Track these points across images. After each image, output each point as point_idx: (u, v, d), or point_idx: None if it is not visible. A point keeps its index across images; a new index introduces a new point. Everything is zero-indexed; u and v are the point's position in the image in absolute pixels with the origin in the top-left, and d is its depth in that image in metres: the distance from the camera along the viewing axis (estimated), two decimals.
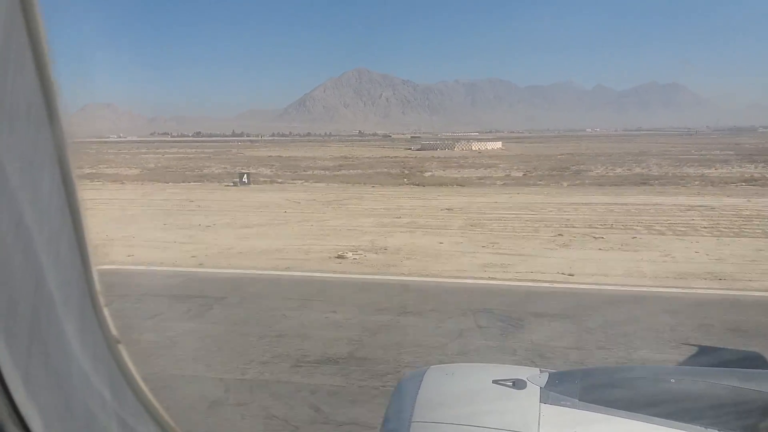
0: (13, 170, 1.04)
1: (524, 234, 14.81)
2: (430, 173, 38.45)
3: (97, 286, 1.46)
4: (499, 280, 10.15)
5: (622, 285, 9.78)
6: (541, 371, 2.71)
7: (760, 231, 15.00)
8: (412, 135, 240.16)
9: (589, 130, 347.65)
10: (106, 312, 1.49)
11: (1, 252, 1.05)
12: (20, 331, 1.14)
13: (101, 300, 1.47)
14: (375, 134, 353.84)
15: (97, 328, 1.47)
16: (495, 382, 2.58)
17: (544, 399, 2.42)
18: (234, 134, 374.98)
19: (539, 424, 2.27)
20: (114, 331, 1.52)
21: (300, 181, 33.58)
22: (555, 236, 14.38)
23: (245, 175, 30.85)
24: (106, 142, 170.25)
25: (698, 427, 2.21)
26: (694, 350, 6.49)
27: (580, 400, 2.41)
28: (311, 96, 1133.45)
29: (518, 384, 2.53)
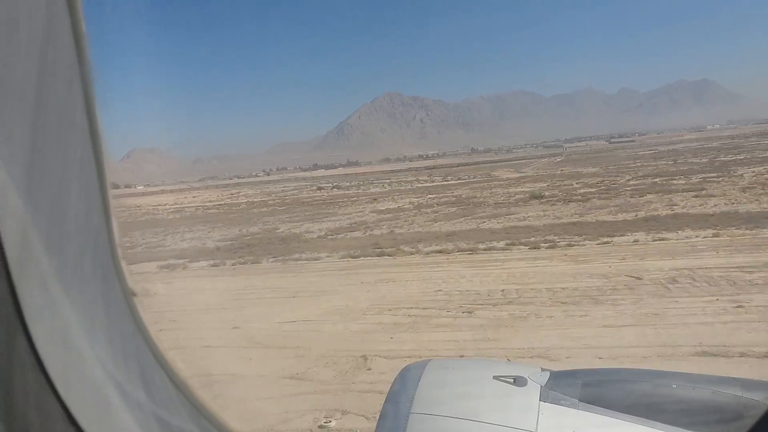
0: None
1: None
2: None
3: (117, 239, 1.54)
4: None
5: None
6: (542, 369, 2.74)
7: None
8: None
9: (654, 133, 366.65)
10: (123, 265, 1.56)
11: (24, 195, 1.13)
12: (37, 277, 1.19)
13: (120, 252, 1.54)
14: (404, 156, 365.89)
15: (115, 280, 1.55)
16: (495, 378, 2.61)
17: (544, 398, 2.45)
18: (315, 166, 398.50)
19: (538, 422, 2.29)
20: (130, 284, 1.59)
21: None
22: None
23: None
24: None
25: None
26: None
27: (580, 401, 2.43)
28: (348, 123, 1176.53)
29: (519, 381, 2.57)
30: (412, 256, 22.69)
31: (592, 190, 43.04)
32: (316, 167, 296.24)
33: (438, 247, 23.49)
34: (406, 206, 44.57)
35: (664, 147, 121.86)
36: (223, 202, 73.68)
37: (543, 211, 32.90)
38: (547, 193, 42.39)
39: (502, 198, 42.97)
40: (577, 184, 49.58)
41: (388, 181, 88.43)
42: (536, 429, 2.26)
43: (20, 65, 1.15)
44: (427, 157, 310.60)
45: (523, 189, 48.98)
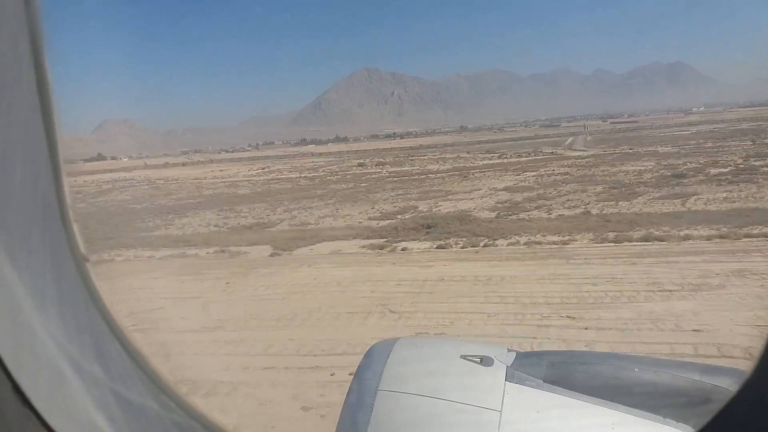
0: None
1: None
2: None
3: (68, 200, 1.47)
4: None
5: None
6: (508, 350, 2.79)
7: None
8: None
9: (627, 115, 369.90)
10: (75, 228, 1.50)
11: None
12: None
13: (71, 215, 1.48)
14: (395, 133, 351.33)
15: (65, 244, 1.49)
16: (463, 357, 2.66)
17: (509, 378, 2.49)
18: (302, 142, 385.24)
19: (503, 402, 2.34)
20: (82, 248, 1.54)
21: None
22: None
23: None
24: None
25: (657, 416, 2.33)
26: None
27: (544, 382, 2.49)
28: (325, 98, 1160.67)
29: (485, 361, 2.61)
30: (691, 242, 19.66)
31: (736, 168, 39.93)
32: (304, 142, 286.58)
33: (713, 231, 20.55)
34: (529, 183, 41.40)
35: (683, 128, 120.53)
36: (280, 176, 67.89)
37: (727, 192, 30.28)
38: (685, 170, 39.77)
39: (633, 177, 40.09)
40: (703, 161, 46.34)
41: (426, 157, 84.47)
42: (501, 408, 2.30)
43: None
44: (417, 135, 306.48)
45: (638, 166, 46.17)
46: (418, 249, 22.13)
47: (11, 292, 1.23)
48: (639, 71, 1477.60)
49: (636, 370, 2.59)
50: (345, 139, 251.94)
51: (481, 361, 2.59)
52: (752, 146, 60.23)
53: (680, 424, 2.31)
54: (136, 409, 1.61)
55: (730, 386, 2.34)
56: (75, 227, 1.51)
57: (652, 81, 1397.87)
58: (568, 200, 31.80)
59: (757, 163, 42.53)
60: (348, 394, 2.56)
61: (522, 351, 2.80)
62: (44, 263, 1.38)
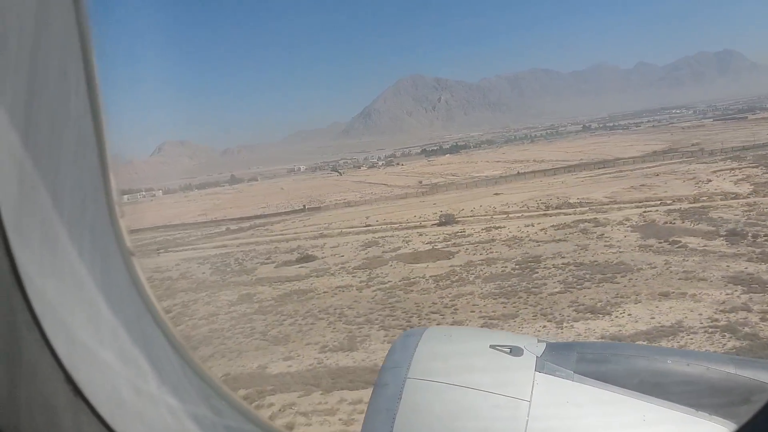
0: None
1: None
2: None
3: (115, 197, 1.52)
4: None
5: None
6: (539, 340, 2.76)
7: None
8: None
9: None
10: (122, 224, 1.55)
11: (21, 161, 1.12)
12: (34, 236, 1.18)
13: (118, 212, 1.53)
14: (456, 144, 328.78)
15: (112, 240, 1.53)
16: (492, 347, 2.63)
17: (539, 368, 2.47)
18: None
19: (532, 392, 2.32)
20: (128, 243, 1.58)
21: None
22: None
23: None
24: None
25: (690, 408, 2.27)
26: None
27: (575, 373, 2.46)
28: (374, 108, 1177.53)
29: (515, 351, 2.59)
30: None
31: None
32: (428, 153, 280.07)
33: None
34: None
35: None
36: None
37: None
38: None
39: None
40: None
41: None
42: (530, 399, 2.33)
43: (17, 21, 1.17)
44: (484, 142, 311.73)
45: None
46: None
47: (64, 287, 1.27)
48: (684, 62, 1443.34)
49: (669, 362, 2.59)
50: (460, 150, 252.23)
51: (510, 351, 2.63)
52: None
53: (714, 417, 2.27)
54: (185, 403, 1.65)
55: (767, 380, 2.33)
56: (121, 223, 1.55)
57: (701, 71, 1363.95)
58: None
59: None
60: (377, 382, 2.59)
61: (552, 341, 2.86)
62: (94, 259, 1.41)
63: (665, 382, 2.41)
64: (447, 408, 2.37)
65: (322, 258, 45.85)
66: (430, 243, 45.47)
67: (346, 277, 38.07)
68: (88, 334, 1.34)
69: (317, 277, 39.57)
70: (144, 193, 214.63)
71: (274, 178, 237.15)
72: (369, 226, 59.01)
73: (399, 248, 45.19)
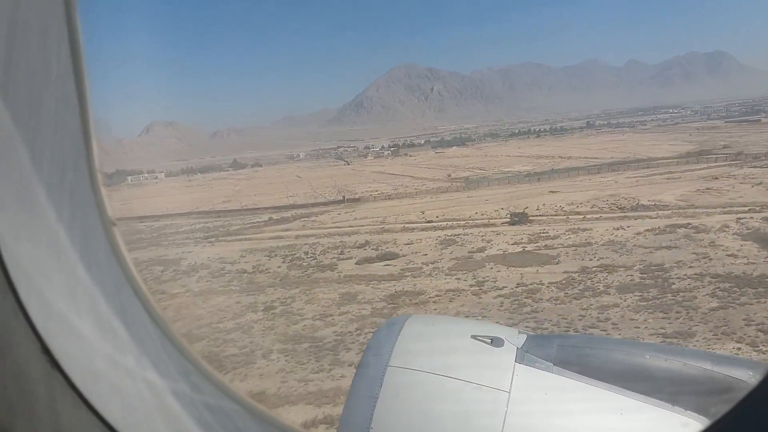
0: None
1: None
2: None
3: (97, 164, 1.47)
4: None
5: None
6: (519, 332, 2.81)
7: None
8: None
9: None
10: (103, 192, 1.51)
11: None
12: (9, 196, 1.16)
13: (100, 179, 1.48)
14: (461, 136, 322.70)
15: (93, 208, 1.49)
16: (473, 337, 2.66)
17: (519, 359, 2.51)
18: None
19: (512, 383, 2.34)
20: (110, 212, 1.53)
21: None
22: None
23: None
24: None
25: (665, 403, 2.32)
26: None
27: (554, 365, 2.50)
28: (366, 96, 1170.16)
29: (496, 342, 2.62)
30: None
31: None
32: (433, 144, 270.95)
33: None
34: None
35: None
36: None
37: None
38: None
39: None
40: None
41: None
42: (510, 389, 2.35)
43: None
44: (482, 136, 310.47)
45: None
46: None
47: (41, 254, 1.25)
48: (675, 61, 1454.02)
49: (647, 357, 2.62)
50: (463, 142, 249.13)
51: (491, 341, 2.66)
52: None
53: (689, 412, 2.31)
54: (163, 378, 1.62)
55: (742, 377, 2.36)
56: (103, 191, 1.51)
57: (691, 71, 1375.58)
58: None
59: None
60: (358, 369, 2.64)
61: (533, 333, 2.90)
62: (73, 226, 1.38)
63: (643, 376, 2.43)
64: (427, 396, 2.38)
65: (405, 256, 44.02)
66: (516, 244, 43.86)
67: (449, 279, 36.37)
68: (65, 303, 1.31)
69: (414, 277, 37.81)
70: (146, 174, 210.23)
71: (277, 164, 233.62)
72: (430, 222, 57.22)
73: (484, 248, 43.54)
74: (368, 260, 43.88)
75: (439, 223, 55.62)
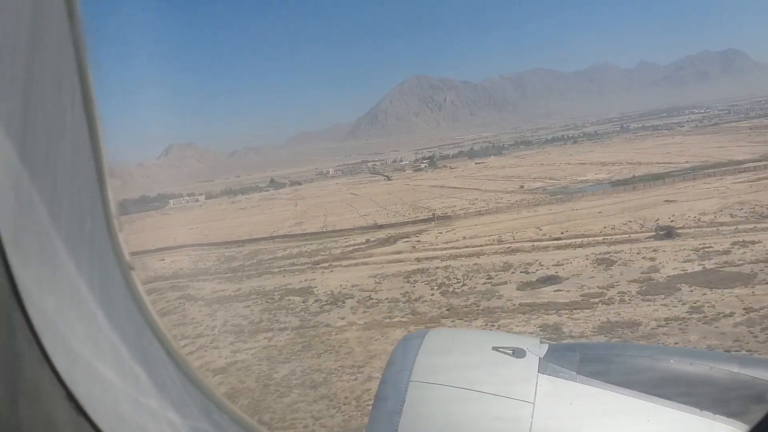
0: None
1: None
2: None
3: (113, 211, 1.51)
4: None
5: None
6: (541, 342, 2.78)
7: None
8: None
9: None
10: (120, 238, 1.55)
11: (15, 176, 1.11)
12: (32, 252, 1.18)
13: (116, 225, 1.52)
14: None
15: (110, 253, 1.53)
16: (495, 349, 2.63)
17: (542, 369, 2.47)
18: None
19: (536, 393, 2.32)
20: (127, 257, 1.57)
21: None
22: None
23: None
24: None
25: (694, 408, 2.28)
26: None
27: (578, 374, 2.46)
28: (380, 109, 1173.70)
29: (518, 353, 2.59)
30: None
31: None
32: (468, 155, 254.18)
33: None
34: None
35: None
36: None
37: None
38: None
39: None
40: None
41: None
42: (534, 400, 2.29)
43: (12, 34, 1.15)
44: (530, 143, 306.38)
45: None
46: None
47: (63, 302, 1.28)
48: (687, 61, 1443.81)
49: (672, 362, 2.57)
50: (500, 150, 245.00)
51: (513, 353, 2.61)
52: None
53: (718, 416, 2.27)
54: (186, 418, 1.64)
55: None
56: (120, 237, 1.55)
57: (705, 71, 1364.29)
58: None
59: None
60: (380, 385, 2.59)
61: (555, 343, 2.80)
62: (92, 273, 1.42)
63: (669, 381, 2.41)
64: (450, 411, 2.38)
65: (567, 279, 41.25)
66: (688, 261, 40.90)
67: (653, 305, 33.47)
68: (88, 350, 1.34)
69: (606, 304, 35.02)
70: (186, 197, 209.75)
71: (313, 182, 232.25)
72: (559, 239, 54.37)
73: (656, 268, 40.63)
74: (530, 285, 41.20)
75: (572, 240, 52.78)
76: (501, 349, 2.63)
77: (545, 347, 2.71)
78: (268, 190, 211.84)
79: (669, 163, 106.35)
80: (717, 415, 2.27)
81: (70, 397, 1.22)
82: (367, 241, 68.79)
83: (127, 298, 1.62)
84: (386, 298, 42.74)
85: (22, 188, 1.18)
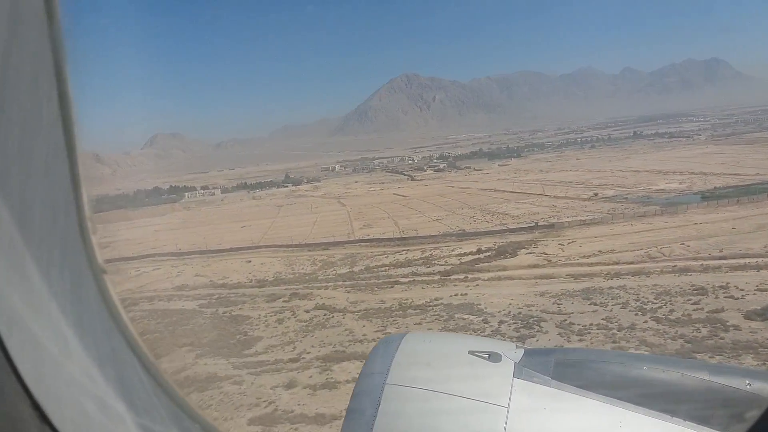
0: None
1: None
2: None
3: (87, 212, 1.49)
4: None
5: None
6: (517, 347, 2.80)
7: None
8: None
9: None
10: (94, 240, 1.53)
11: None
12: (1, 253, 1.15)
13: (90, 227, 1.50)
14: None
15: (83, 254, 1.51)
16: (471, 353, 2.66)
17: (517, 374, 2.50)
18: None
19: (510, 398, 2.35)
20: (100, 259, 1.55)
21: None
22: None
23: None
24: None
25: (665, 415, 2.34)
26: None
27: (552, 378, 2.50)
28: (370, 106, 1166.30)
29: (493, 357, 2.62)
30: None
31: None
32: (485, 156, 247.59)
33: None
34: None
35: None
36: None
37: None
38: None
39: None
40: None
41: None
42: (509, 405, 2.32)
43: None
44: (543, 146, 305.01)
45: None
46: None
47: (31, 304, 1.24)
48: (672, 69, 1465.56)
49: (645, 368, 2.60)
50: (514, 152, 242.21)
51: (489, 357, 2.63)
52: None
53: (688, 422, 2.32)
54: (155, 424, 1.61)
55: (740, 386, 2.40)
56: (93, 239, 1.51)
57: (689, 79, 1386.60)
58: None
59: None
60: (355, 388, 2.59)
61: (530, 348, 2.85)
62: (63, 275, 1.38)
63: (641, 388, 2.46)
64: (425, 414, 2.41)
65: None
66: None
67: None
68: (55, 352, 1.32)
69: None
70: (202, 190, 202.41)
71: (328, 179, 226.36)
72: (722, 258, 50.46)
73: None
74: (758, 314, 37.12)
75: (741, 261, 48.87)
76: (477, 353, 2.65)
77: (521, 352, 2.72)
78: (287, 186, 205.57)
79: (735, 174, 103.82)
80: (687, 421, 2.32)
81: (33, 401, 1.19)
82: (479, 250, 64.27)
83: (98, 301, 1.59)
84: (590, 324, 38.30)
85: None
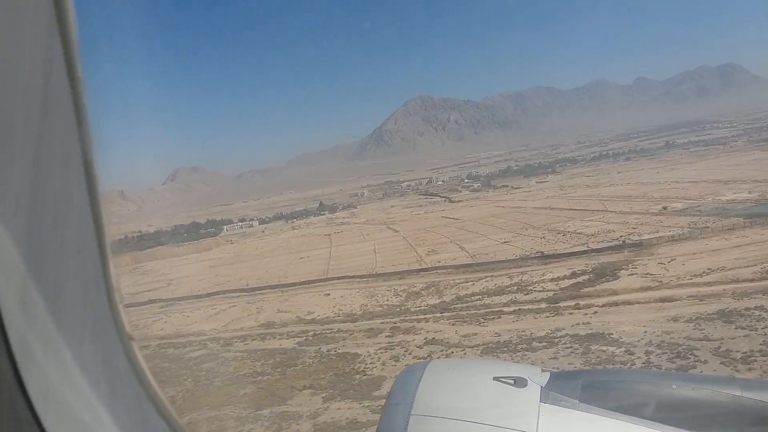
0: (45, 179, 1.26)
1: None
2: None
3: (115, 284, 1.57)
4: None
5: None
6: (542, 370, 2.80)
7: None
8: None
9: None
10: (121, 309, 1.60)
11: (24, 251, 1.15)
12: (38, 329, 1.20)
13: (117, 297, 1.57)
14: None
15: (112, 325, 1.58)
16: (496, 379, 2.63)
17: (544, 398, 2.48)
18: None
19: (538, 423, 2.32)
20: (128, 328, 1.63)
21: None
22: None
23: None
24: None
25: None
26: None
27: (580, 402, 2.46)
28: (386, 129, 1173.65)
29: (519, 382, 2.59)
30: None
31: None
32: (525, 174, 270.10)
33: None
34: None
35: None
36: None
37: None
38: None
39: None
40: None
41: None
42: (536, 430, 2.29)
43: (19, 108, 1.19)
44: (575, 161, 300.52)
45: None
46: None
47: (66, 377, 1.26)
48: (687, 76, 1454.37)
49: (674, 387, 2.49)
50: (546, 168, 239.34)
51: (514, 382, 2.55)
52: None
53: None
54: None
55: None
56: (121, 308, 1.56)
57: (704, 85, 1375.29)
58: None
59: None
60: (381, 418, 2.49)
61: (556, 371, 2.72)
62: (95, 346, 1.41)
63: (671, 407, 2.42)
64: None
65: None
66: None
67: None
68: (88, 422, 1.33)
69: None
70: (240, 223, 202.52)
71: (361, 205, 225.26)
72: None
73: None
74: None
75: None
76: (502, 379, 2.62)
77: (547, 376, 2.68)
78: (323, 214, 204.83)
79: None
80: None
81: None
82: (573, 274, 61.71)
83: (128, 370, 1.62)
84: (751, 350, 35.55)
85: (30, 258, 1.20)
